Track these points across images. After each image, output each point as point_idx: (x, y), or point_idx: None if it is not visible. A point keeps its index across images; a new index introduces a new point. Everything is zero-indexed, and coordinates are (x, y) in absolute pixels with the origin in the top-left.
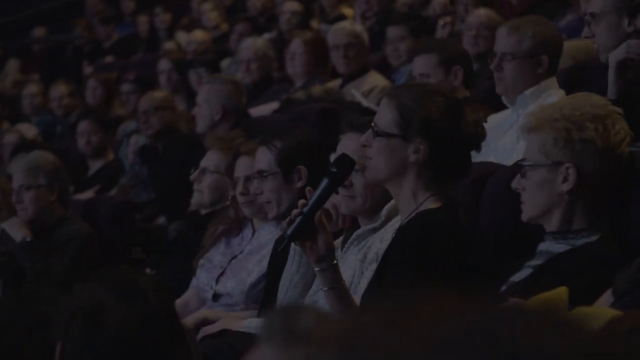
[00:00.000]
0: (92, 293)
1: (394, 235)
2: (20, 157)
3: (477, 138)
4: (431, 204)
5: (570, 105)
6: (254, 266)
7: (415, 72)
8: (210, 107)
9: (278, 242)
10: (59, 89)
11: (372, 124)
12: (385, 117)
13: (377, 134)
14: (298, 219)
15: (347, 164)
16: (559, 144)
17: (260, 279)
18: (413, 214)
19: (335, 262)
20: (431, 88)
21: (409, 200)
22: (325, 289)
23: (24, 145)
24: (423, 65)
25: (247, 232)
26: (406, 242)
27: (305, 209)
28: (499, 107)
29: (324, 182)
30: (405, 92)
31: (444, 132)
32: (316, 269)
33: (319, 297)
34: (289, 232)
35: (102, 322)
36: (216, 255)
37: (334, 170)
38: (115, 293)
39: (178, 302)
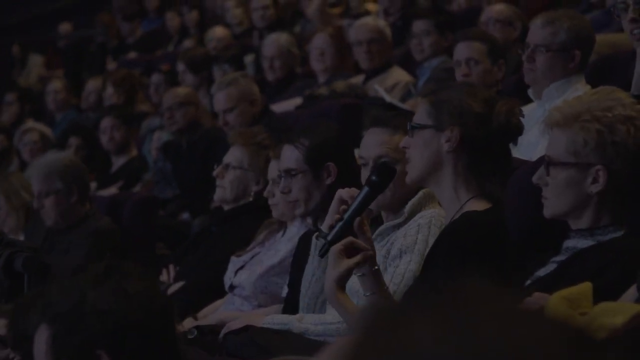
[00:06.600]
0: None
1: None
2: (36, 162)
3: (511, 128)
4: (476, 205)
5: (599, 104)
6: (268, 259)
7: (461, 57)
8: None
9: (302, 239)
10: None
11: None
12: (420, 112)
13: (412, 128)
14: (338, 225)
15: (387, 172)
16: (589, 145)
17: (268, 270)
18: (457, 215)
19: (376, 267)
20: (467, 83)
21: (452, 199)
22: (367, 294)
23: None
24: (474, 51)
25: (280, 234)
26: (450, 245)
27: (346, 215)
28: (523, 102)
29: (365, 190)
30: (439, 89)
31: (475, 118)
32: (357, 274)
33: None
34: (329, 237)
35: (85, 312)
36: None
37: (375, 178)
38: (93, 283)
39: (218, 302)
